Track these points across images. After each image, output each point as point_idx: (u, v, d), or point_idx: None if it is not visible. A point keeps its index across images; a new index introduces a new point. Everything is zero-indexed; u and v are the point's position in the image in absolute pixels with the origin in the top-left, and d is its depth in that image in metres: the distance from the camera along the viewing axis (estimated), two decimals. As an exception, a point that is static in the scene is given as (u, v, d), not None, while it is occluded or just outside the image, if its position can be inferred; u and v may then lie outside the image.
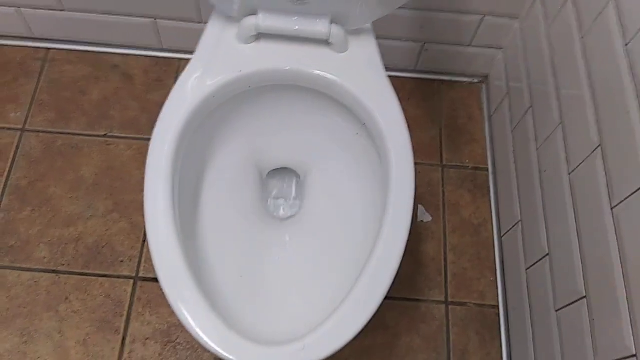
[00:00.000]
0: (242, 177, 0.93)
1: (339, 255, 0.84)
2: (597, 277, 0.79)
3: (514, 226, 1.10)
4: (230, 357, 0.63)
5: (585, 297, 0.81)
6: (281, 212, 0.96)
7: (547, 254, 0.95)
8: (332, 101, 0.85)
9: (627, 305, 0.71)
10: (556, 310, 0.90)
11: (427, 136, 1.27)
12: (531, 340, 0.99)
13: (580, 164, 0.85)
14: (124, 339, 1.04)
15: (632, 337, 0.70)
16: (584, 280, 0.82)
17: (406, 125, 0.82)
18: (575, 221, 0.86)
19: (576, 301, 0.84)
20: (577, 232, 0.85)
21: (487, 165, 1.25)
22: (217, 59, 0.81)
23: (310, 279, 0.83)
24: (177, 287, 0.67)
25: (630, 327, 0.70)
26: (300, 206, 0.94)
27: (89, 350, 1.02)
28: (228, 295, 0.76)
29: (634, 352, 0.69)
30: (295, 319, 0.75)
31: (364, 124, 0.84)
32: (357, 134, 0.88)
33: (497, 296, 1.13)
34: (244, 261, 0.84)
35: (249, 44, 0.82)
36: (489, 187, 1.23)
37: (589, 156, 0.83)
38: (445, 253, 1.17)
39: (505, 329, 1.10)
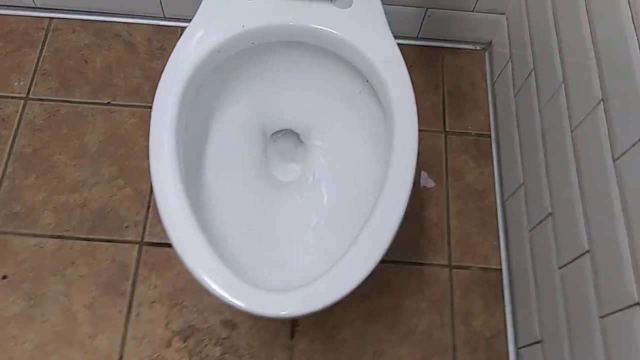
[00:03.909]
0: (246, 138, 0.93)
1: (341, 214, 0.85)
2: (600, 230, 0.79)
3: (516, 190, 1.11)
4: (236, 302, 0.63)
5: (588, 251, 0.82)
6: (285, 174, 0.96)
7: (550, 213, 0.95)
8: (336, 58, 0.85)
9: (629, 255, 0.72)
10: (559, 268, 0.91)
11: (430, 103, 1.27)
12: (534, 299, 1.00)
13: (583, 120, 0.85)
14: (130, 302, 1.05)
15: (634, 286, 0.70)
16: (587, 234, 0.82)
17: (410, 81, 0.82)
18: (578, 177, 0.86)
19: (580, 256, 0.84)
20: (580, 187, 0.85)
21: (490, 131, 1.25)
22: (220, 14, 0.81)
23: (313, 236, 0.84)
24: (184, 238, 0.68)
25: (632, 276, 0.71)
26: (304, 168, 0.95)
27: (96, 313, 1.03)
28: (234, 247, 0.77)
29: (637, 301, 0.70)
30: (298, 271, 0.76)
31: (367, 80, 0.84)
32: (360, 92, 0.88)
33: (500, 260, 1.14)
34: (248, 218, 0.85)
35: (252, -1, 0.83)
36: (491, 152, 1.23)
37: (591, 111, 0.83)
38: (448, 218, 1.17)
39: (509, 291, 1.11)
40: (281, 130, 0.97)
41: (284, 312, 0.64)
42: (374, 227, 0.69)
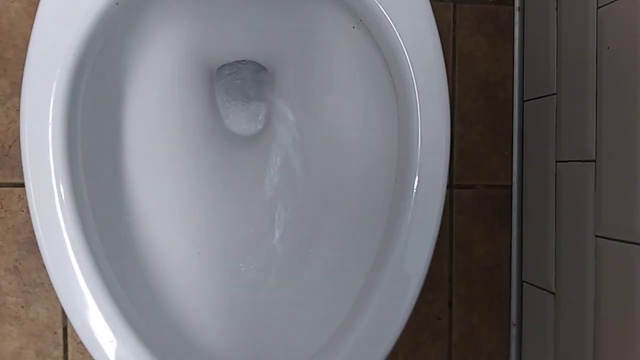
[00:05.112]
0: (184, 79, 0.64)
1: (330, 212, 0.61)
2: None
3: (545, 97, 0.86)
4: None
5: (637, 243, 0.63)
6: (244, 123, 0.69)
7: (594, 160, 0.73)
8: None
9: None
10: (597, 236, 0.73)
11: (436, -45, 0.92)
12: (551, 239, 0.84)
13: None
14: (63, 262, 0.85)
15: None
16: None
17: (435, 26, 0.53)
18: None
19: (631, 242, 0.66)
20: None
21: (514, -3, 0.94)
22: None
23: (282, 251, 0.61)
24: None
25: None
26: (270, 114, 0.68)
27: (23, 279, 0.84)
28: (175, 291, 0.56)
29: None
30: (275, 329, 0.56)
31: (361, 20, 0.54)
32: (354, 27, 0.57)
33: (512, 174, 0.94)
34: (199, 221, 0.61)
35: None
36: (513, 30, 0.94)
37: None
38: (452, 123, 0.94)
39: (518, 214, 0.94)
40: (235, 63, 0.67)
41: None
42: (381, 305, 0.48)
